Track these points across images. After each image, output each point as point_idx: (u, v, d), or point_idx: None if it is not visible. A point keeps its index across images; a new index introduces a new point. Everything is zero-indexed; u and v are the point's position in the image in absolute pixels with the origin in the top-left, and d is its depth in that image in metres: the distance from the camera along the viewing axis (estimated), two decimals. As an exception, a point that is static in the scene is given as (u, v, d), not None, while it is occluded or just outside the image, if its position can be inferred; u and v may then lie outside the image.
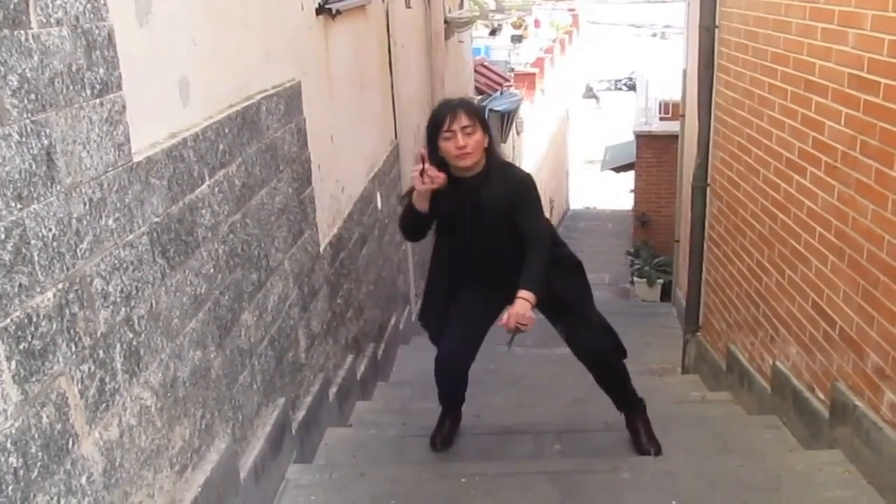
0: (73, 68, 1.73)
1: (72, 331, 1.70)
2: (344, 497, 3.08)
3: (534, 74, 17.30)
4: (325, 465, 3.46)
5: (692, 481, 3.16)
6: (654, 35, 40.34)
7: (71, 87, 1.72)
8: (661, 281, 12.28)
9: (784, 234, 3.82)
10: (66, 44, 1.70)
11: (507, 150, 13.67)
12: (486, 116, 11.34)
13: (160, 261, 2.14)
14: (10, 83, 1.51)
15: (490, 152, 3.24)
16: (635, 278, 12.81)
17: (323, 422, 3.76)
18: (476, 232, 3.24)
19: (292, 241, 3.39)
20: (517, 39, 26.60)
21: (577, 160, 23.99)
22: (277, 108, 3.21)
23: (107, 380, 1.84)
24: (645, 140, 14.02)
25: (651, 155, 13.82)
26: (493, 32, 21.79)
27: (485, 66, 13.32)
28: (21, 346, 1.52)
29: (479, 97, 11.44)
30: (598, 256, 13.47)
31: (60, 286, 1.66)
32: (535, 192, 3.32)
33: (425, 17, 7.72)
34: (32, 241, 1.57)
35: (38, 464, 1.57)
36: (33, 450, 1.55)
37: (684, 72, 7.18)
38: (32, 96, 1.58)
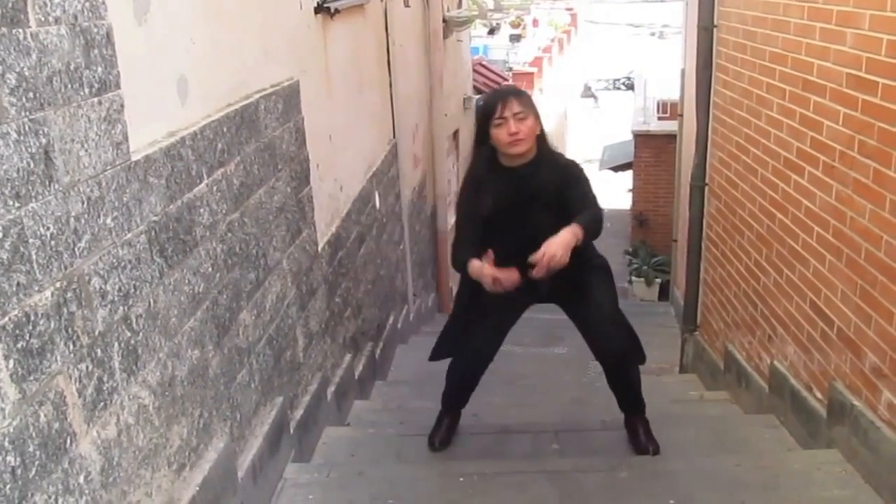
0: (72, 67, 1.73)
1: (70, 329, 1.70)
2: (342, 496, 3.08)
3: (532, 74, 17.33)
4: (323, 464, 3.46)
5: (690, 481, 3.17)
6: (653, 34, 40.32)
7: (69, 86, 1.72)
8: (658, 280, 12.30)
9: (782, 234, 3.82)
10: (64, 42, 1.70)
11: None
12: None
13: (158, 260, 2.14)
14: (9, 81, 1.51)
15: (541, 140, 3.20)
16: (633, 277, 12.83)
17: (321, 421, 3.75)
18: (525, 222, 3.17)
19: (290, 240, 3.39)
20: (515, 39, 26.58)
21: (576, 159, 23.90)
22: (276, 108, 3.21)
23: (105, 379, 1.84)
24: (643, 139, 14.03)
25: (649, 154, 13.83)
26: (492, 32, 21.83)
27: (483, 66, 13.31)
28: (19, 345, 1.52)
29: (478, 96, 11.43)
30: (596, 256, 13.44)
31: (58, 285, 1.66)
32: (585, 174, 3.31)
33: (424, 16, 7.72)
34: (30, 240, 1.57)
35: (36, 463, 1.56)
36: (31, 449, 1.55)
37: (682, 71, 7.19)
38: (31, 95, 1.58)
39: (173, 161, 2.25)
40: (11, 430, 1.49)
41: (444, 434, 3.68)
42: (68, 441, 1.68)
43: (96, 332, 1.81)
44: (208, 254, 2.50)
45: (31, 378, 1.56)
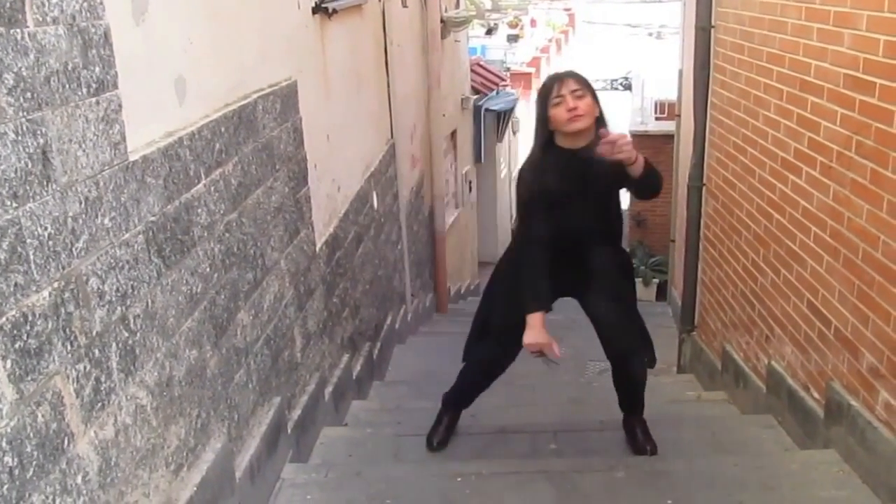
0: (69, 67, 1.73)
1: (67, 330, 1.70)
2: (340, 496, 3.08)
3: (530, 74, 17.33)
4: (321, 464, 3.46)
5: (687, 481, 3.17)
6: (650, 35, 40.31)
7: (67, 86, 1.72)
8: (656, 280, 12.30)
9: (779, 234, 3.83)
10: (62, 42, 1.70)
11: (502, 150, 13.69)
12: (483, 115, 11.18)
13: (156, 260, 2.14)
14: (6, 82, 1.51)
15: (601, 124, 3.17)
16: (631, 277, 12.81)
17: (319, 421, 3.75)
18: (584, 205, 3.14)
19: (288, 240, 3.39)
20: (513, 39, 26.58)
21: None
22: (274, 108, 3.21)
23: (102, 379, 1.84)
24: (641, 139, 14.02)
25: (647, 154, 13.75)
26: (490, 32, 21.82)
27: (481, 66, 13.31)
28: (17, 345, 1.52)
29: (476, 96, 11.44)
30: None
31: (56, 285, 1.66)
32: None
33: (422, 16, 7.72)
34: (28, 240, 1.57)
35: (34, 463, 1.56)
36: (29, 449, 1.55)
37: (680, 72, 7.19)
38: (28, 95, 1.58)
39: (171, 161, 2.25)
40: (9, 430, 1.49)
41: (442, 434, 3.68)
42: (66, 441, 1.68)
43: (94, 333, 1.81)
44: (206, 254, 2.50)
45: (29, 378, 1.56)
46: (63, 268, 1.69)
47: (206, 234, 2.50)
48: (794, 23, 3.61)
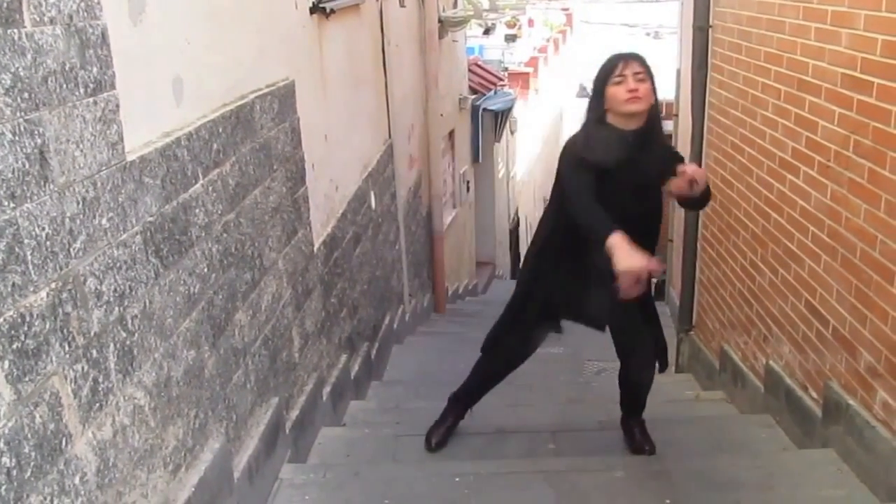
0: (67, 67, 1.73)
1: (65, 330, 1.69)
2: (338, 496, 3.08)
3: (528, 74, 17.29)
4: (319, 464, 3.46)
5: (686, 480, 3.17)
6: (648, 35, 40.26)
7: (64, 86, 1.72)
8: (654, 280, 12.28)
9: (777, 234, 3.83)
10: (59, 42, 1.70)
11: (500, 150, 13.68)
12: (481, 115, 11.15)
13: (154, 260, 2.14)
14: (4, 82, 1.50)
15: (654, 113, 3.15)
16: (629, 277, 12.80)
17: (317, 421, 3.75)
18: (625, 190, 3.06)
19: (286, 240, 3.39)
20: (511, 39, 26.55)
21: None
22: (271, 108, 3.20)
23: (100, 379, 1.83)
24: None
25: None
26: (487, 32, 21.80)
27: (479, 66, 13.29)
28: (14, 346, 1.52)
29: (473, 96, 11.43)
30: (591, 256, 13.45)
31: (54, 285, 1.66)
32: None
33: (419, 16, 7.72)
34: (26, 241, 1.56)
35: (32, 464, 1.56)
36: (26, 450, 1.54)
37: (678, 71, 7.19)
38: (26, 95, 1.57)
39: (169, 161, 2.24)
40: (7, 431, 1.49)
41: (442, 434, 3.68)
42: (64, 442, 1.68)
43: (92, 333, 1.81)
44: (204, 254, 2.49)
45: (27, 379, 1.55)
46: (61, 268, 1.69)
47: (203, 234, 2.49)
48: (791, 22, 3.61)
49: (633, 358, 3.47)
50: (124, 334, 1.96)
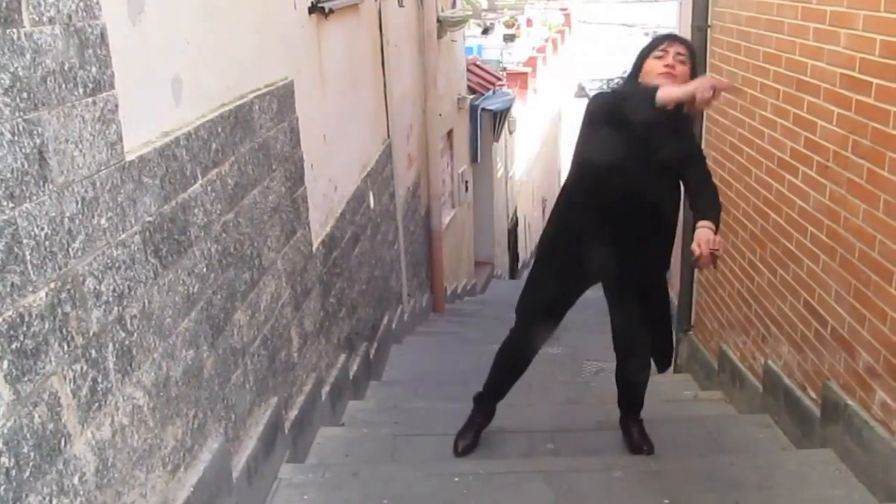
0: (66, 67, 1.73)
1: (64, 330, 1.69)
2: (337, 496, 3.08)
3: (526, 74, 17.29)
4: (318, 464, 3.46)
5: (684, 480, 3.17)
6: (646, 34, 40.27)
7: (63, 86, 1.72)
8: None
9: (776, 234, 3.83)
10: (58, 42, 1.70)
11: (499, 150, 13.69)
12: (479, 115, 11.12)
13: (153, 260, 2.14)
14: (2, 82, 1.50)
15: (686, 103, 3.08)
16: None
17: (316, 421, 3.75)
18: (641, 165, 3.03)
19: (285, 240, 3.38)
20: (509, 39, 26.56)
21: (570, 159, 23.86)
22: (270, 108, 3.20)
23: (99, 379, 1.83)
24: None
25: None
26: (486, 31, 21.80)
27: (477, 66, 13.30)
28: (13, 346, 1.52)
29: (472, 96, 11.44)
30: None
31: (53, 285, 1.66)
32: (704, 156, 3.29)
33: (418, 16, 7.72)
34: (25, 241, 1.56)
35: (30, 464, 1.56)
36: (25, 450, 1.54)
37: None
38: (24, 95, 1.57)
39: (168, 161, 2.24)
40: (6, 431, 1.49)
41: (472, 438, 3.60)
42: (63, 442, 1.68)
43: (91, 333, 1.80)
44: (203, 254, 2.49)
45: (26, 379, 1.55)
46: (59, 268, 1.68)
47: (202, 234, 2.49)
48: (790, 22, 3.62)
49: (631, 358, 3.47)
50: (123, 334, 1.96)
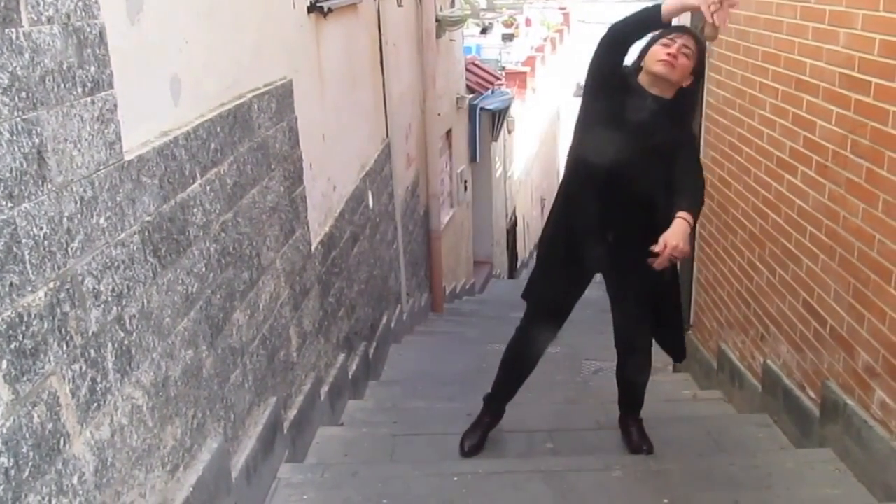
0: (65, 66, 1.72)
1: (63, 330, 1.69)
2: (336, 496, 3.08)
3: (525, 73, 17.30)
4: (317, 464, 3.45)
5: (683, 480, 3.17)
6: (645, 34, 40.22)
7: (62, 86, 1.71)
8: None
9: (775, 233, 3.83)
10: (57, 42, 1.70)
11: (498, 149, 13.69)
12: (478, 114, 11.10)
13: (152, 260, 2.13)
14: (1, 81, 1.50)
15: (687, 97, 3.15)
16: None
17: (315, 421, 3.75)
18: (629, 144, 3.03)
19: (284, 239, 3.38)
20: (508, 38, 26.56)
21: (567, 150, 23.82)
22: (269, 107, 3.20)
23: (98, 379, 1.83)
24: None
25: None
26: (485, 31, 21.81)
27: (476, 65, 13.30)
28: (12, 346, 1.51)
29: (471, 96, 11.43)
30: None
31: (52, 285, 1.65)
32: (697, 146, 3.25)
33: (417, 15, 7.71)
34: (23, 240, 1.56)
35: (30, 464, 1.56)
36: (24, 449, 1.54)
37: (675, 71, 7.17)
38: (23, 94, 1.57)
39: (166, 161, 2.24)
40: (5, 430, 1.48)
41: (479, 438, 3.59)
42: (62, 442, 1.68)
43: (90, 333, 1.80)
44: (202, 254, 2.49)
45: (25, 379, 1.55)
46: (58, 268, 1.68)
47: (201, 233, 2.49)
48: (789, 22, 3.62)
49: (632, 357, 3.47)
50: (122, 334, 1.96)
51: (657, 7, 2.92)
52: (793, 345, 3.65)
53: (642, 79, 3.11)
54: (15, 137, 1.54)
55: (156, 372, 2.14)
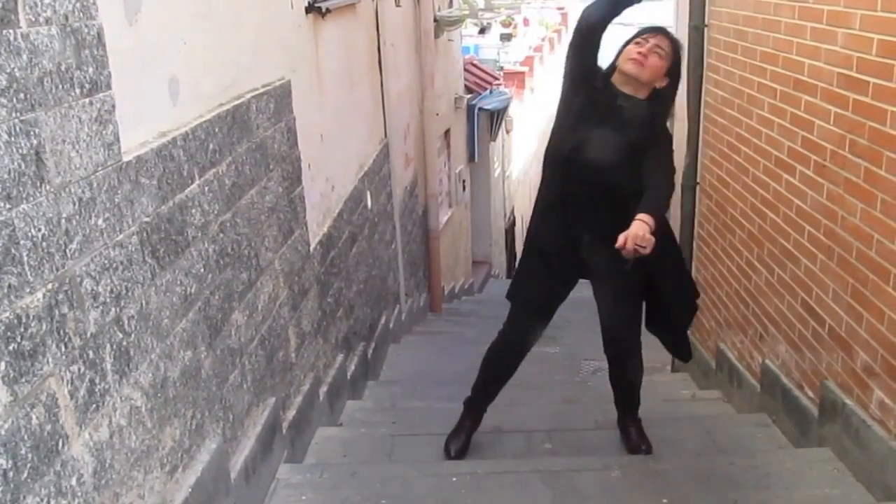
0: (63, 67, 1.72)
1: (61, 331, 1.69)
2: (335, 496, 3.07)
3: (523, 73, 17.30)
4: (316, 464, 3.45)
5: (682, 480, 3.17)
6: (644, 34, 40.21)
7: (60, 87, 1.71)
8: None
9: (773, 233, 3.83)
10: (55, 43, 1.69)
11: (496, 149, 13.69)
12: (476, 114, 11.08)
13: (150, 261, 2.13)
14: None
15: (663, 98, 3.17)
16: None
17: (314, 421, 3.75)
18: (603, 140, 3.06)
19: (282, 240, 3.38)
20: (506, 38, 26.54)
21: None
22: (267, 107, 3.20)
23: (97, 380, 1.83)
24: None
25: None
26: (483, 31, 21.76)
27: (474, 65, 13.30)
28: (10, 347, 1.51)
29: (469, 96, 11.43)
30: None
31: (50, 286, 1.65)
32: (671, 146, 3.27)
33: (415, 15, 7.71)
34: (22, 242, 1.56)
35: (28, 465, 1.56)
36: (23, 451, 1.54)
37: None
38: (21, 95, 1.57)
39: (165, 162, 2.24)
40: (3, 432, 1.48)
41: (463, 440, 3.58)
42: (60, 443, 1.67)
43: (88, 334, 1.80)
44: (200, 254, 2.49)
45: (23, 380, 1.55)
46: (57, 269, 1.68)
47: (200, 234, 2.49)
48: (787, 21, 3.62)
49: (619, 360, 3.45)
50: (121, 335, 1.96)
51: None
52: (791, 344, 3.65)
53: (615, 78, 3.15)
54: (13, 139, 1.54)
55: (154, 373, 2.14)
